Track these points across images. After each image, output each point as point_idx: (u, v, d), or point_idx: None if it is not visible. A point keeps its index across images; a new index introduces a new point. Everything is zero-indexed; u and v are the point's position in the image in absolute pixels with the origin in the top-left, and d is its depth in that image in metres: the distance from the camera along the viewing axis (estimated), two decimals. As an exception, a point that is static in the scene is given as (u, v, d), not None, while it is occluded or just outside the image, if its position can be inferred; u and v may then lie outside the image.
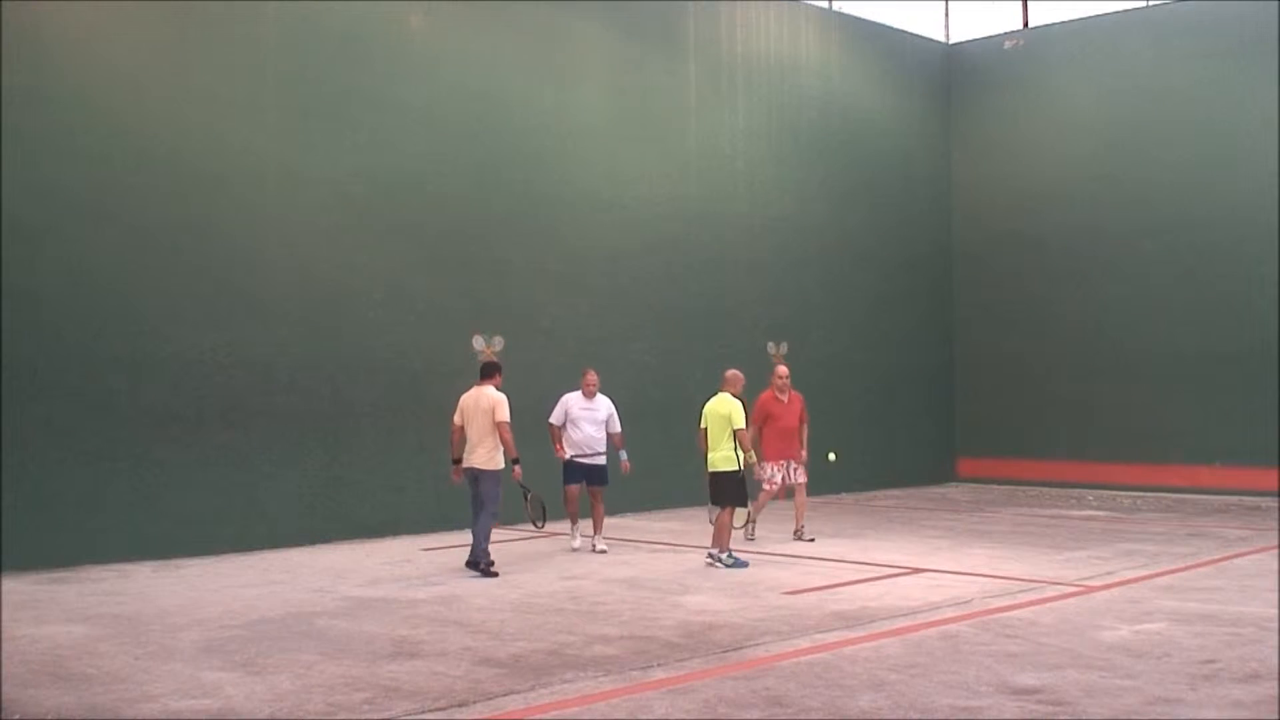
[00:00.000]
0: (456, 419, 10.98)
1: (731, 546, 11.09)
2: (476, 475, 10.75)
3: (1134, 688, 6.44)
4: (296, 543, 12.50)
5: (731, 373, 11.57)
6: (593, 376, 12.43)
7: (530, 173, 14.97)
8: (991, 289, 20.19)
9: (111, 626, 8.39)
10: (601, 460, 12.33)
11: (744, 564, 10.88)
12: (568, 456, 12.20)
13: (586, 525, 12.47)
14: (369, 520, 13.18)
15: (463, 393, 11.10)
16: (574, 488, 12.30)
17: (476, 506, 10.77)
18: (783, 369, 13.32)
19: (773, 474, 12.72)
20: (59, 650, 7.65)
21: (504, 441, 10.64)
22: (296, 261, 12.93)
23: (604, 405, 12.39)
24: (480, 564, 10.54)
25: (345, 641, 7.83)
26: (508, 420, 10.67)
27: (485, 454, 10.70)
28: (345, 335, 13.23)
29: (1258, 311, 17.24)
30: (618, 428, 12.44)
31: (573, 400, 12.32)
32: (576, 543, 12.22)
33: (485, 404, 10.75)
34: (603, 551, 11.93)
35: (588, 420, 12.25)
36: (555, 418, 12.35)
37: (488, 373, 11.13)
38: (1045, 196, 19.57)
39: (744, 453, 11.03)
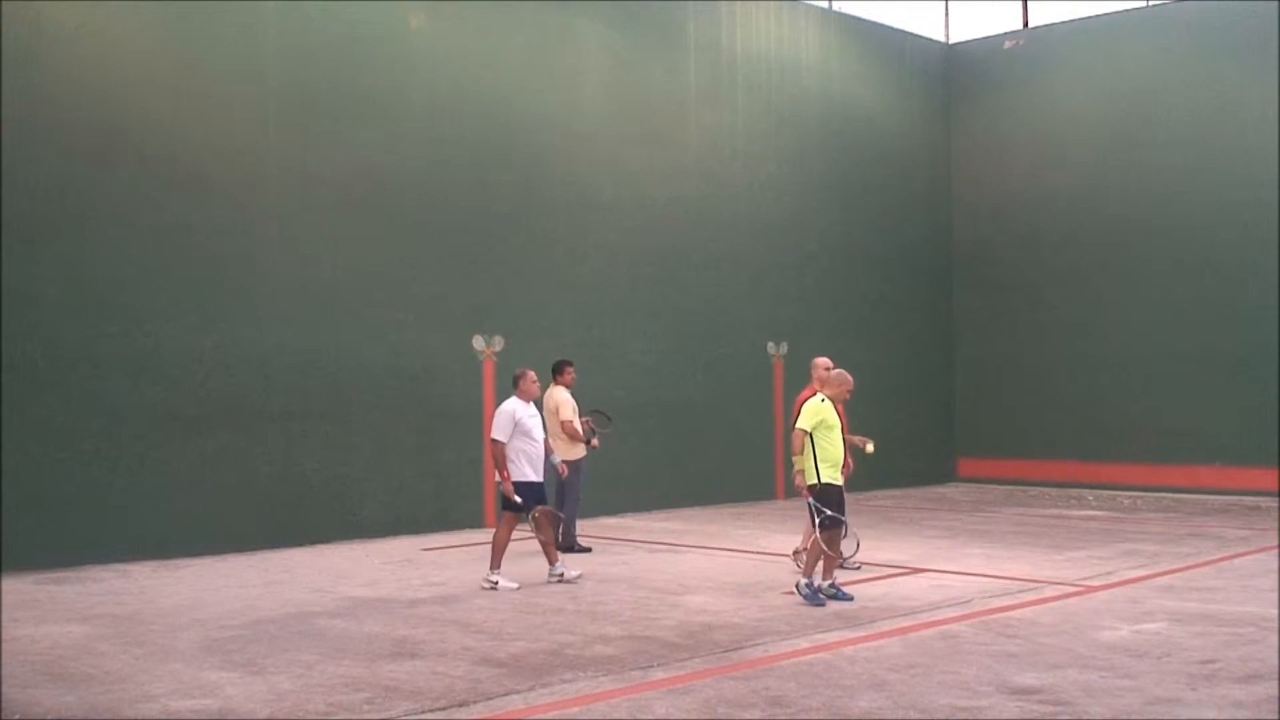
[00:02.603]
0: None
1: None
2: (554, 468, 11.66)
3: (1134, 688, 6.44)
4: (296, 543, 12.50)
5: (835, 372, 9.60)
6: (534, 375, 10.52)
7: (530, 173, 14.97)
8: (991, 289, 20.19)
9: (111, 626, 8.39)
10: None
11: (819, 599, 9.01)
12: (529, 478, 10.11)
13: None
14: (369, 520, 13.19)
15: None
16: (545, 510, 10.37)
17: (559, 495, 11.85)
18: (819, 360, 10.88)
19: None
20: (59, 650, 7.65)
21: (568, 434, 11.85)
22: (296, 261, 12.93)
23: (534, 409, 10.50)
24: (574, 547, 11.85)
25: (345, 641, 7.83)
26: (569, 419, 11.85)
27: (560, 448, 11.73)
28: (345, 335, 13.23)
29: (1258, 311, 17.24)
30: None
31: (519, 408, 10.21)
32: (515, 584, 9.95)
33: (551, 404, 11.90)
34: (577, 577, 10.20)
35: (537, 430, 10.32)
36: (502, 432, 10.03)
37: (554, 370, 12.15)
38: (1045, 196, 19.57)
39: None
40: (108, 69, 11.79)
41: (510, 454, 10.03)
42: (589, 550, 12.00)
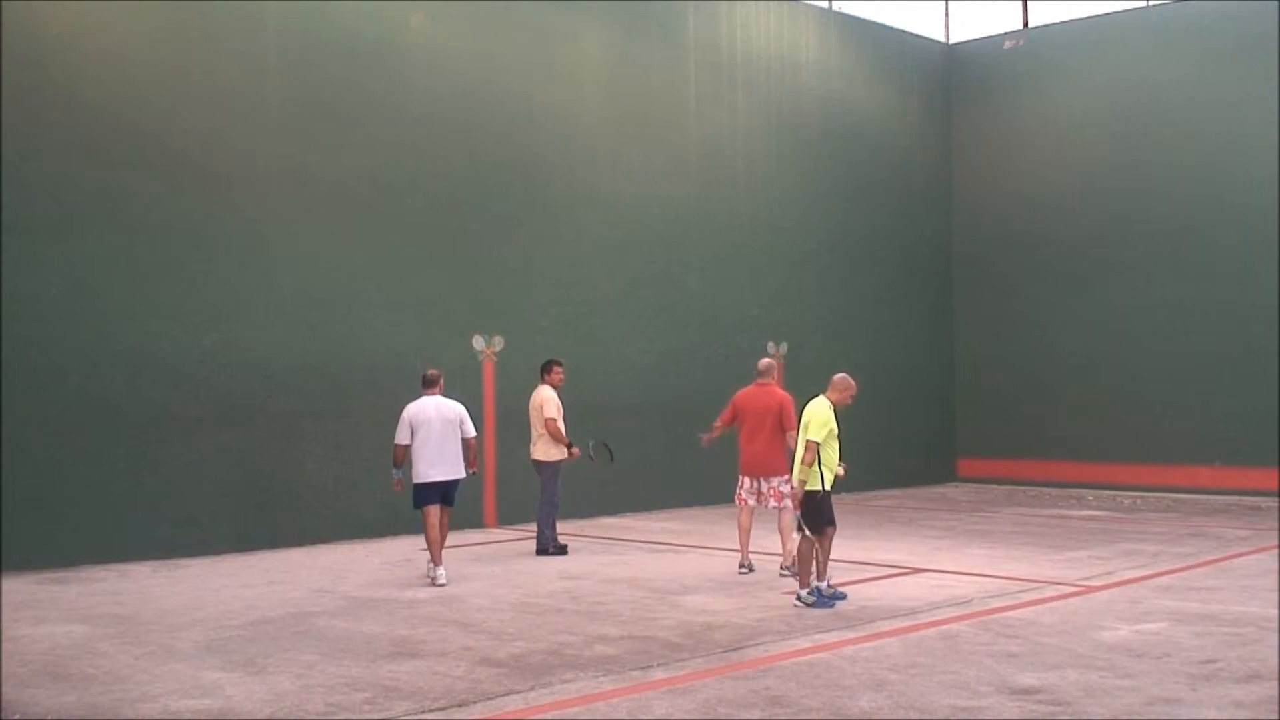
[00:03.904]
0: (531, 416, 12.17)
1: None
2: (536, 466, 12.06)
3: (1134, 688, 6.44)
4: (296, 543, 12.50)
5: (839, 377, 9.45)
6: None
7: (530, 173, 14.97)
8: (991, 289, 20.19)
9: (111, 626, 8.40)
10: None
11: (829, 603, 8.94)
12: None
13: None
14: (369, 520, 13.18)
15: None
16: None
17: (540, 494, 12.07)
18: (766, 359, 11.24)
19: (744, 490, 10.71)
20: (59, 650, 7.65)
21: (550, 433, 11.89)
22: (297, 261, 12.93)
23: None
24: (549, 548, 11.84)
25: (345, 641, 7.83)
26: (553, 417, 11.88)
27: (541, 447, 11.97)
28: (345, 335, 13.23)
29: (1258, 311, 17.24)
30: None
31: None
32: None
33: (535, 402, 12.04)
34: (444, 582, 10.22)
35: None
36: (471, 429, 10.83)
37: (541, 370, 12.27)
38: (1045, 196, 19.57)
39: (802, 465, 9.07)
40: (108, 69, 11.79)
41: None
42: (564, 551, 11.93)
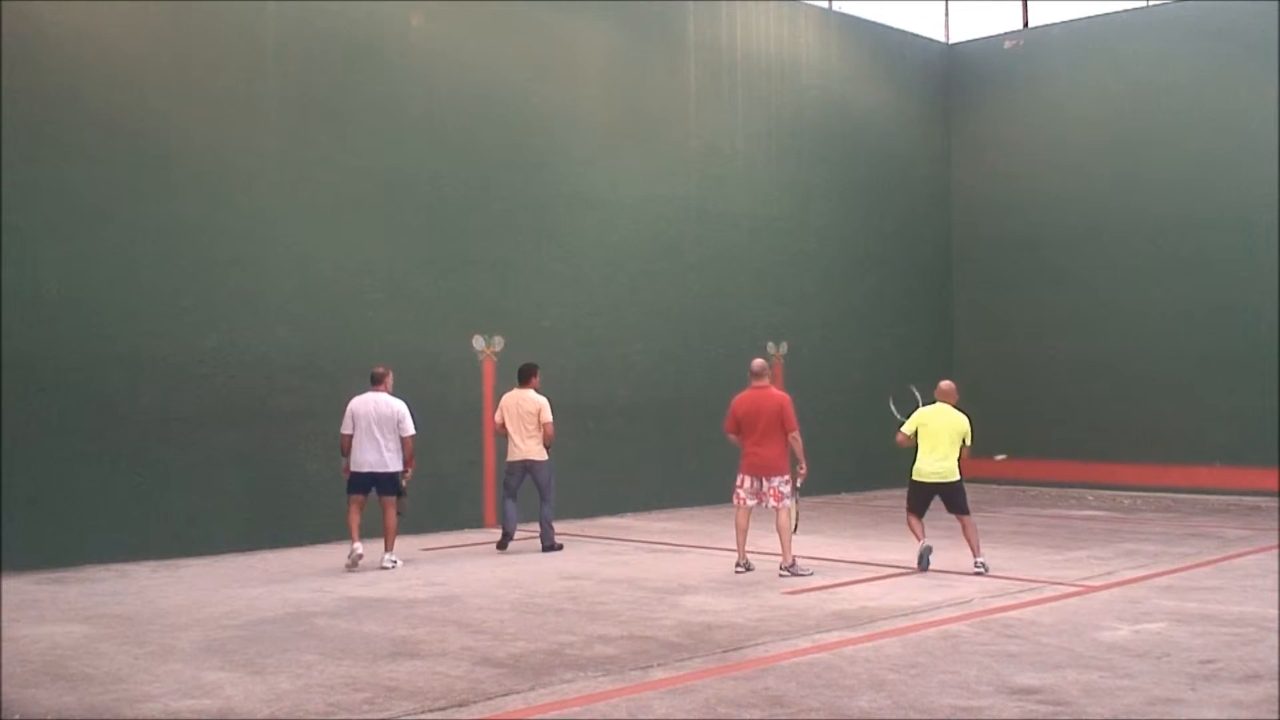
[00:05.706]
0: (497, 418, 12.44)
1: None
2: (529, 466, 12.21)
3: (1134, 688, 6.44)
4: (296, 543, 12.50)
5: (947, 383, 11.48)
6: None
7: (530, 173, 14.97)
8: (991, 289, 20.19)
9: (111, 626, 8.40)
10: None
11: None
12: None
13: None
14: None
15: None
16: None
17: (513, 494, 12.27)
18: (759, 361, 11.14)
19: (744, 490, 10.70)
20: (59, 650, 7.65)
21: (548, 435, 12.21)
22: (297, 262, 12.93)
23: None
24: (556, 545, 12.21)
25: (345, 641, 7.83)
26: (551, 420, 12.19)
27: (534, 447, 12.17)
28: (345, 335, 13.23)
29: (1258, 311, 17.24)
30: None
31: None
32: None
33: (530, 406, 12.18)
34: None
35: None
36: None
37: (526, 374, 12.37)
38: (1045, 196, 19.57)
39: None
40: (108, 69, 11.79)
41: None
42: (561, 547, 12.25)
